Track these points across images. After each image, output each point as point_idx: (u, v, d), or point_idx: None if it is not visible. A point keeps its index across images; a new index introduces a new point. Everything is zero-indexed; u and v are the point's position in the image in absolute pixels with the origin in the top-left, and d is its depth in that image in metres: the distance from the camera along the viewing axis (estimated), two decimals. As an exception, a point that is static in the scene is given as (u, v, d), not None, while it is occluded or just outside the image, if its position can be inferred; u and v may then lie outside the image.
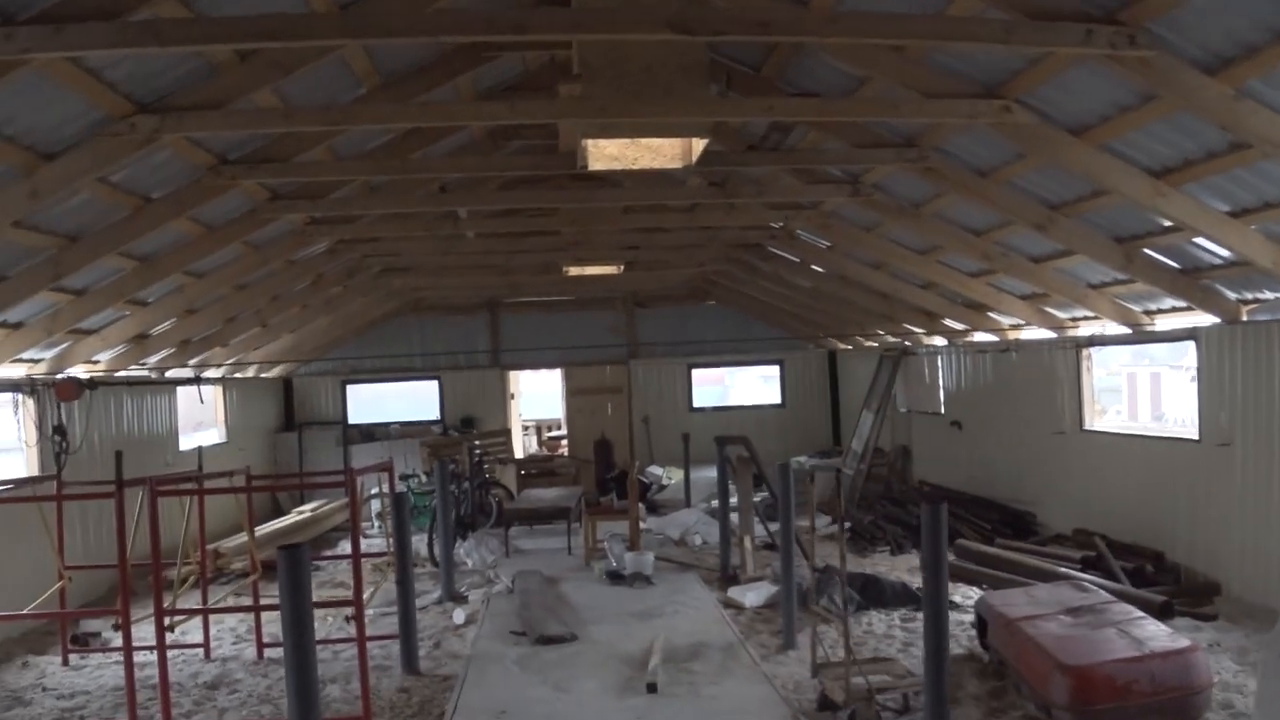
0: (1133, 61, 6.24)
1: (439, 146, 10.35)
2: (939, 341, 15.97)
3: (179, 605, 9.03)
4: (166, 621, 7.63)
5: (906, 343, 16.97)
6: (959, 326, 14.56)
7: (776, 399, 21.25)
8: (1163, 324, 11.01)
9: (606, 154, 7.34)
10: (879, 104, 7.94)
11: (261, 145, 8.63)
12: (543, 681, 8.13)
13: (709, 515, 15.46)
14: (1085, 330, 12.05)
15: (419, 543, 12.96)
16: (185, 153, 8.03)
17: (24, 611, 9.14)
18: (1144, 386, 31.90)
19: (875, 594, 9.91)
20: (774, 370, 21.71)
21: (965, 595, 10.11)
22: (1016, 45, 6.33)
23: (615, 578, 11.35)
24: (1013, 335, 13.67)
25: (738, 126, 10.15)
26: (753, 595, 10.26)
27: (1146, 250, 9.48)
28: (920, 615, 9.54)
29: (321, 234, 11.65)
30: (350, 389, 20.47)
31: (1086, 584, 8.66)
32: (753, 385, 23.26)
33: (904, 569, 11.74)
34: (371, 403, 20.98)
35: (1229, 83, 6.20)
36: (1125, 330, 11.26)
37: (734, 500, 11.85)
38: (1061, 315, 12.17)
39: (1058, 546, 11.61)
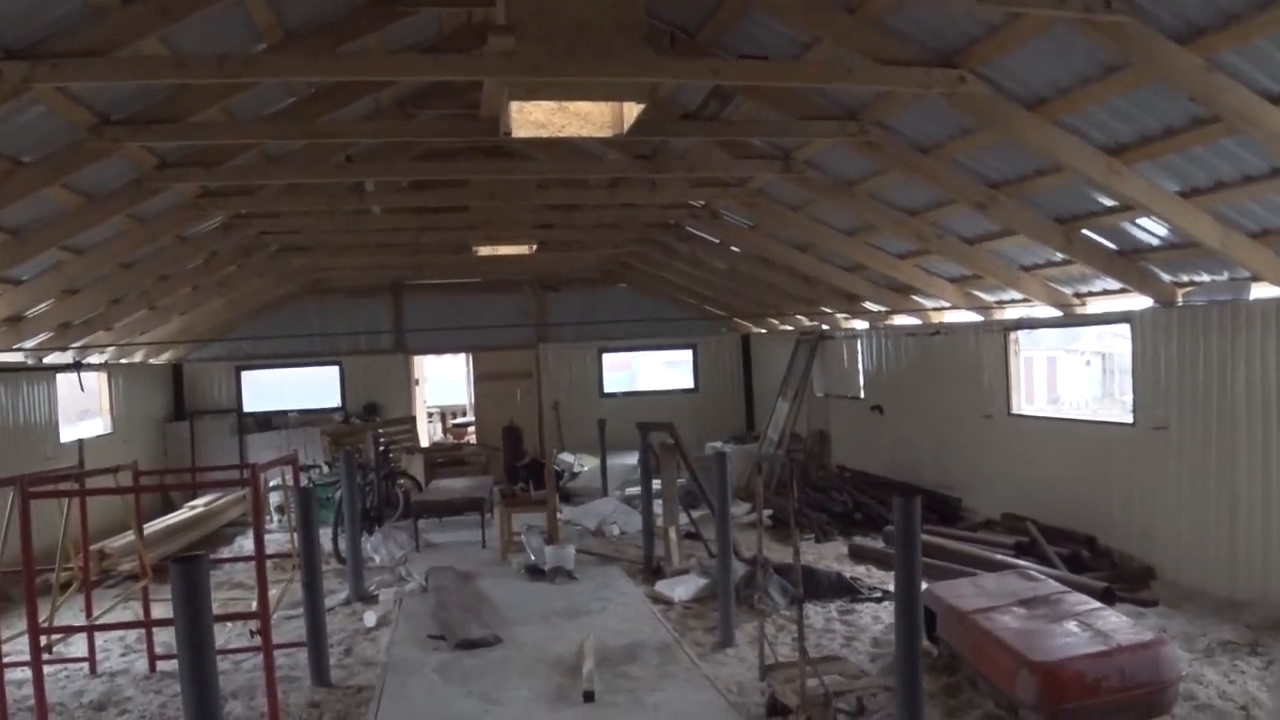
0: (1107, 26, 5.91)
1: (346, 112, 9.56)
2: (859, 325, 15.71)
3: (61, 613, 8.20)
4: (44, 640, 6.85)
5: (824, 327, 16.69)
6: (880, 309, 14.29)
7: (689, 383, 20.83)
8: (1095, 307, 10.83)
9: (532, 120, 6.63)
10: (830, 69, 7.46)
11: (149, 104, 7.77)
12: (468, 692, 7.49)
13: (626, 504, 15.00)
14: (1013, 313, 11.84)
15: (323, 538, 12.22)
16: (62, 109, 7.15)
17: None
18: (1040, 371, 32.34)
19: (810, 585, 9.50)
20: (684, 355, 21.32)
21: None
22: (991, 3, 5.92)
23: (535, 573, 10.77)
24: (936, 318, 13.44)
25: (670, 94, 9.63)
26: (681, 589, 9.79)
27: (1086, 231, 9.24)
28: (858, 608, 9.29)
29: (216, 207, 10.79)
30: (246, 375, 19.45)
31: (1033, 573, 8.37)
32: (658, 370, 22.76)
33: (832, 557, 11.41)
34: (268, 390, 19.97)
35: (1201, 53, 5.92)
36: (1056, 313, 11.06)
37: (656, 489, 11.38)
38: (988, 298, 11.94)
39: (987, 532, 11.41)
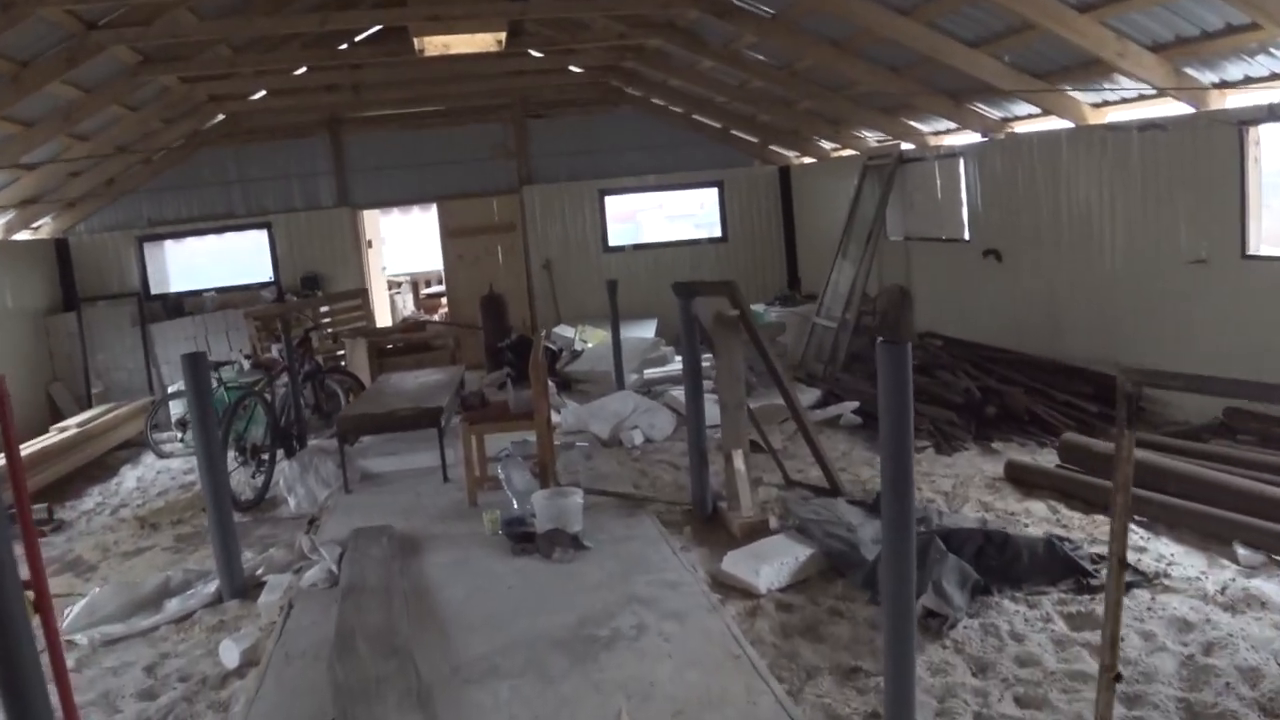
0: None
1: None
2: (959, 140, 11.36)
3: None
4: None
5: (904, 145, 12.32)
6: (1032, 111, 9.80)
7: (714, 230, 16.47)
8: None
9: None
10: None
11: None
12: None
13: (649, 398, 10.93)
14: (1243, 100, 7.49)
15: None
16: None
17: None
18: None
19: (1002, 561, 5.45)
20: (692, 203, 16.95)
21: (1141, 543, 5.79)
22: None
23: (520, 538, 6.67)
24: (1096, 118, 9.09)
25: None
26: (769, 569, 5.70)
27: None
28: (1096, 601, 5.25)
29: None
30: (150, 248, 15.16)
31: None
32: (662, 224, 18.37)
33: (979, 483, 7.36)
34: (185, 266, 15.75)
35: None
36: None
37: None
38: (1207, 77, 7.60)
39: (1225, 441, 7.29)
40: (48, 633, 4.20)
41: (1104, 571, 5.31)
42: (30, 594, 4.17)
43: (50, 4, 7.53)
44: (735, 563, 5.87)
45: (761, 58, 11.55)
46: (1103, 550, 5.65)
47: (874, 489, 7.19)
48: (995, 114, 10.38)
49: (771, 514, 6.75)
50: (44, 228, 14.15)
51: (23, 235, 13.64)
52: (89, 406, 13.21)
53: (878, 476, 7.64)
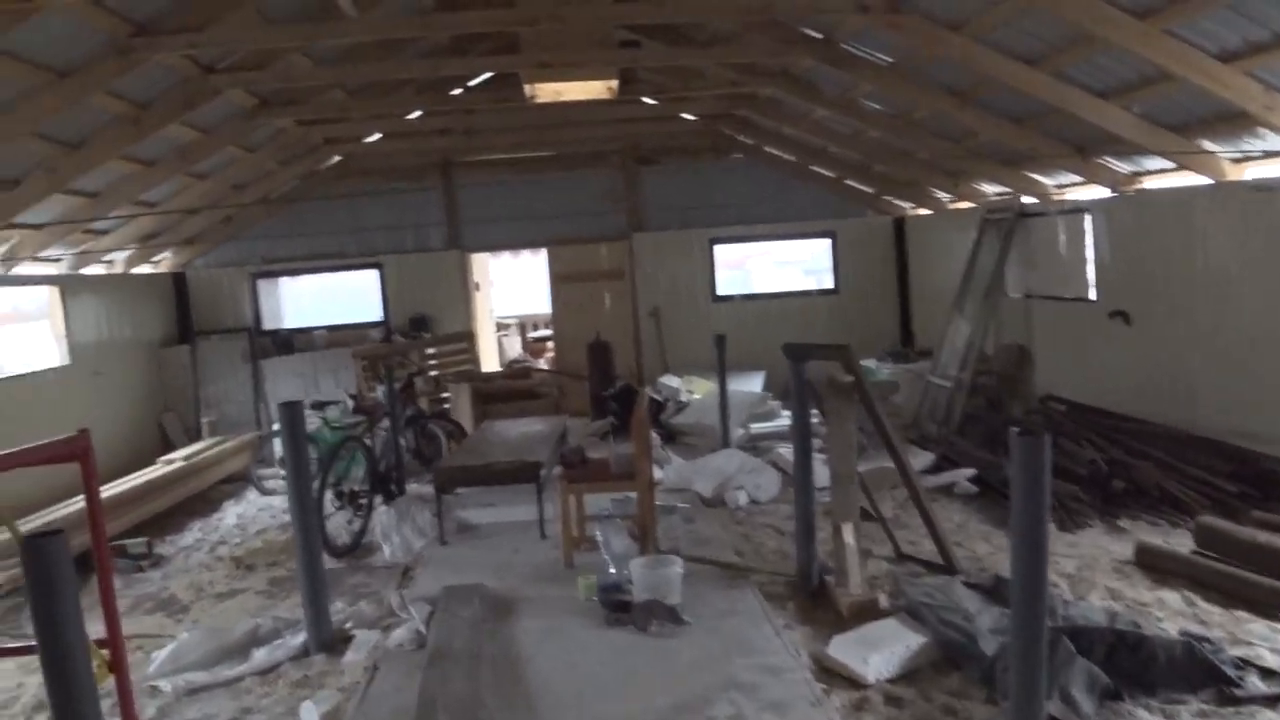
0: None
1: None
2: (1085, 194, 10.86)
3: None
4: None
5: (1024, 199, 11.85)
6: (1165, 166, 9.27)
7: (824, 278, 16.07)
8: None
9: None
10: None
11: None
12: None
13: (755, 457, 10.60)
14: None
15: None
16: None
17: None
18: None
19: (1135, 664, 4.99)
20: (801, 250, 16.60)
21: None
22: None
23: (615, 606, 6.40)
24: (1234, 175, 8.55)
25: None
26: (878, 658, 5.33)
27: None
28: (1244, 710, 4.75)
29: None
30: (263, 284, 15.41)
31: None
32: (770, 270, 18.04)
33: (1106, 566, 6.86)
34: (297, 302, 15.98)
35: None
36: None
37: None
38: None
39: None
40: (121, 696, 4.08)
41: (1249, 679, 4.84)
42: (105, 653, 4.05)
43: (167, 50, 7.61)
44: (843, 648, 5.50)
45: (878, 106, 11.24)
46: (1246, 652, 5.16)
47: (992, 568, 6.75)
48: (1124, 168, 9.88)
49: (881, 591, 6.38)
50: (163, 262, 14.48)
51: (143, 269, 13.97)
52: (198, 438, 13.39)
53: (995, 553, 7.25)
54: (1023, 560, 3.35)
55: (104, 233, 11.79)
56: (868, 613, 6.05)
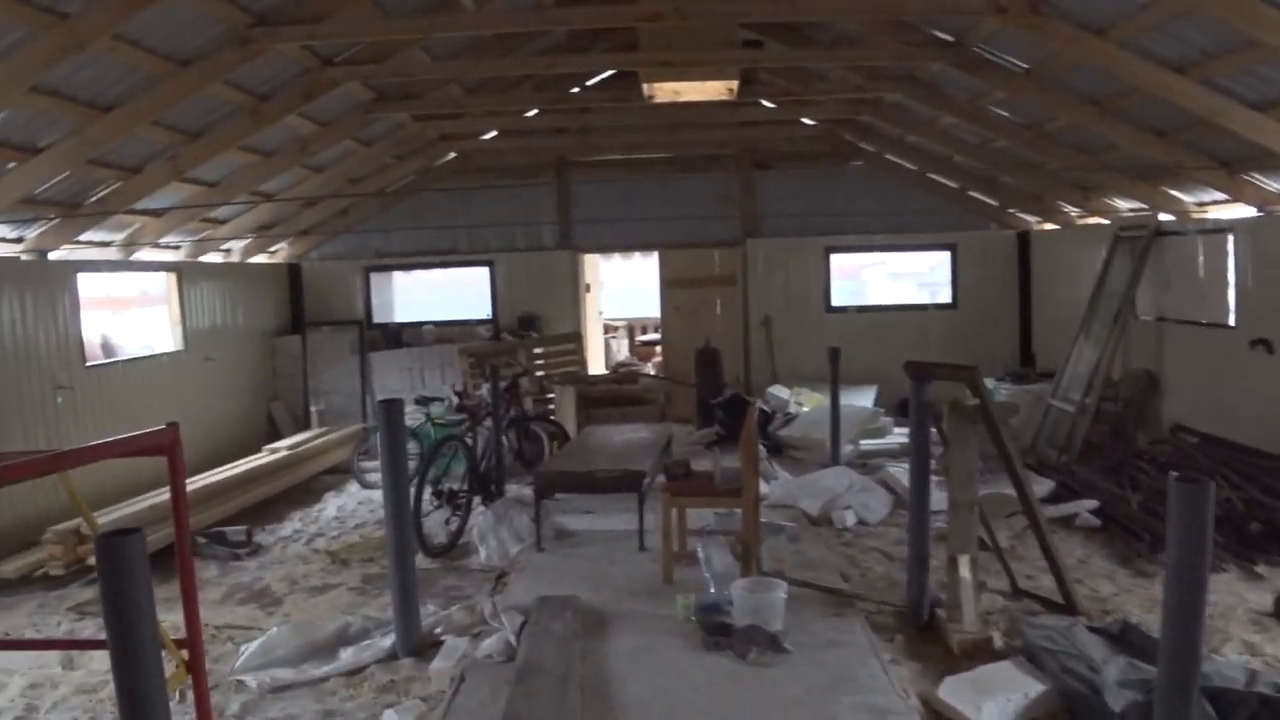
0: None
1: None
2: (1228, 213, 10.24)
3: None
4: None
5: (1161, 216, 11.24)
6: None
7: (940, 292, 15.55)
8: None
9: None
10: None
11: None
12: None
13: (865, 472, 10.24)
14: None
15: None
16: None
17: None
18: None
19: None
20: (917, 262, 16.08)
21: None
22: None
23: (715, 630, 6.13)
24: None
25: None
26: (992, 706, 4.96)
27: None
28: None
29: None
30: (375, 278, 15.52)
31: None
32: (884, 282, 17.56)
33: (1243, 616, 6.36)
34: (408, 296, 16.10)
35: None
36: None
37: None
38: None
39: None
40: (198, 699, 3.97)
41: None
42: (184, 653, 3.95)
43: (286, 41, 7.61)
44: (954, 692, 5.14)
45: (1008, 115, 10.77)
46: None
47: (1116, 611, 6.31)
48: (1274, 185, 9.26)
49: (996, 630, 6.00)
50: (279, 253, 14.69)
51: (259, 259, 14.18)
52: (306, 427, 13.55)
53: (1120, 595, 6.80)
54: (1176, 618, 3.00)
55: (222, 222, 11.98)
56: (981, 652, 5.68)
